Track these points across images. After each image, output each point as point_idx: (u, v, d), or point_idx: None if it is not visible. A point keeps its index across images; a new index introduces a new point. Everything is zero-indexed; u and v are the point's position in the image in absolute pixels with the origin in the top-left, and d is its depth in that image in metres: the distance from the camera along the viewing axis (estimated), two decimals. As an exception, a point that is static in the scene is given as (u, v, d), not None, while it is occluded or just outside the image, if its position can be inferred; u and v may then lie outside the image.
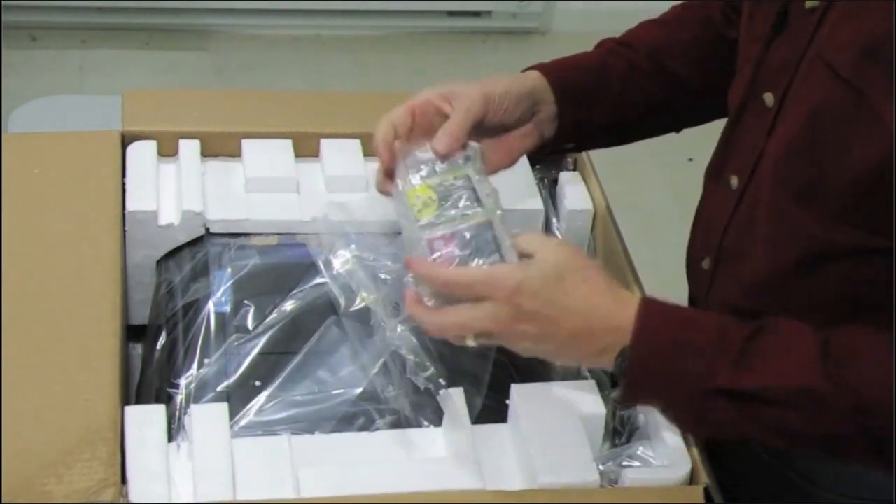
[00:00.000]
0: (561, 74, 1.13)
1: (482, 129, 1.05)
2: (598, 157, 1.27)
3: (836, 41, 0.92)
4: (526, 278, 0.90)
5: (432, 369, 0.98)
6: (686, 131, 1.24)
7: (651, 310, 0.91)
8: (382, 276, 1.06)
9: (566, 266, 0.91)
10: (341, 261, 1.06)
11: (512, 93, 1.08)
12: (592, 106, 1.15)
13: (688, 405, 0.91)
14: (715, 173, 1.09)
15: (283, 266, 1.10)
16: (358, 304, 1.04)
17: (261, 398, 0.99)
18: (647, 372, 0.90)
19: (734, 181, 1.04)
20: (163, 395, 1.01)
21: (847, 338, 0.89)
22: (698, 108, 1.18)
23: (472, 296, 0.92)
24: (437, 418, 0.99)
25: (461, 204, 0.97)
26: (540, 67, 1.14)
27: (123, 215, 1.12)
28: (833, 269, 0.96)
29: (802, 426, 0.89)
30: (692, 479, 0.95)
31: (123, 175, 1.16)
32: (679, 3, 1.23)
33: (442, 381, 0.98)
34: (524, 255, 0.93)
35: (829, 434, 0.89)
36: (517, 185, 1.21)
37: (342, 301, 1.05)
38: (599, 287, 0.92)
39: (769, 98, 1.00)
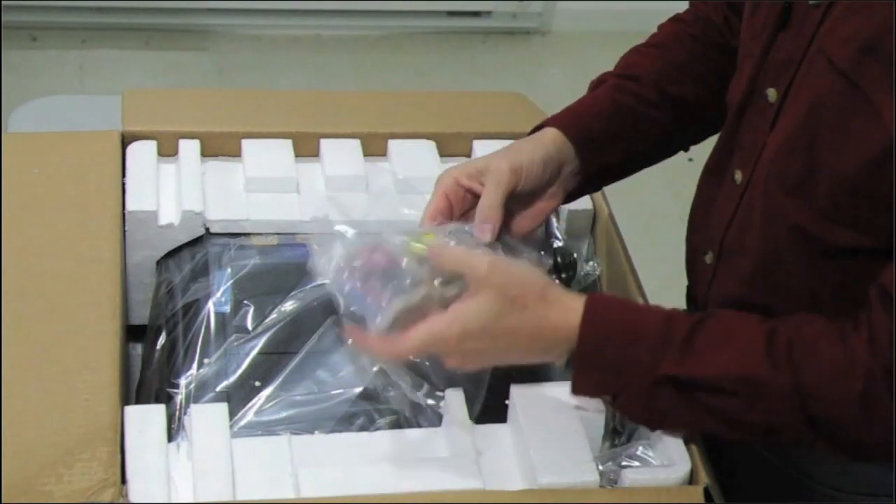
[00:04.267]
0: (578, 126, 1.12)
1: (511, 198, 1.05)
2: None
3: (838, 36, 0.92)
4: (465, 328, 0.91)
5: (427, 386, 0.98)
6: (685, 131, 1.24)
7: (597, 303, 0.93)
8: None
9: (502, 298, 0.92)
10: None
11: (537, 160, 1.07)
12: (611, 149, 1.14)
13: (635, 394, 0.92)
14: (717, 169, 1.09)
15: (283, 266, 1.10)
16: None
17: (261, 398, 0.99)
18: (595, 361, 0.92)
19: (738, 176, 1.04)
20: (163, 395, 1.01)
21: (795, 327, 0.91)
22: (705, 122, 1.17)
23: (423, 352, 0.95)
24: (437, 418, 0.99)
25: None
26: (556, 123, 1.12)
27: (123, 215, 1.12)
28: (828, 265, 0.97)
29: (745, 413, 0.90)
30: (692, 479, 0.95)
31: (123, 175, 1.16)
32: (669, 19, 1.23)
33: (439, 393, 0.98)
34: (453, 278, 0.94)
35: (771, 421, 0.91)
36: (517, 185, 1.20)
37: (342, 301, 1.05)
38: (539, 306, 0.93)
39: (772, 93, 1.00)
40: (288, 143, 1.22)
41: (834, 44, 0.92)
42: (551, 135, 1.10)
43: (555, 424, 0.96)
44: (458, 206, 1.04)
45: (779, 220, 0.98)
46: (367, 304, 0.93)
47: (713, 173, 1.11)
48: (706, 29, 1.17)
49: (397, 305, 0.92)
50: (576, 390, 0.95)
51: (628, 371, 0.92)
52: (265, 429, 0.97)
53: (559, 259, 1.18)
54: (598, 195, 1.22)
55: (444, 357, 0.93)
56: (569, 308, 0.93)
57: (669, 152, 1.20)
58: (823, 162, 0.93)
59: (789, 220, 0.97)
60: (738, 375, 0.90)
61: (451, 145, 1.26)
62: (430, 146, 1.24)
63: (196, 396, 0.99)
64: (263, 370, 1.01)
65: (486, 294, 0.92)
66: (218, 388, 1.00)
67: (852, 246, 0.94)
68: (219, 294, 1.07)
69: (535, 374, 1.05)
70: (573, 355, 0.93)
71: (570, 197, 1.14)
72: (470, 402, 0.99)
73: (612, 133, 1.14)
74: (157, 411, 0.95)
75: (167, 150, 1.20)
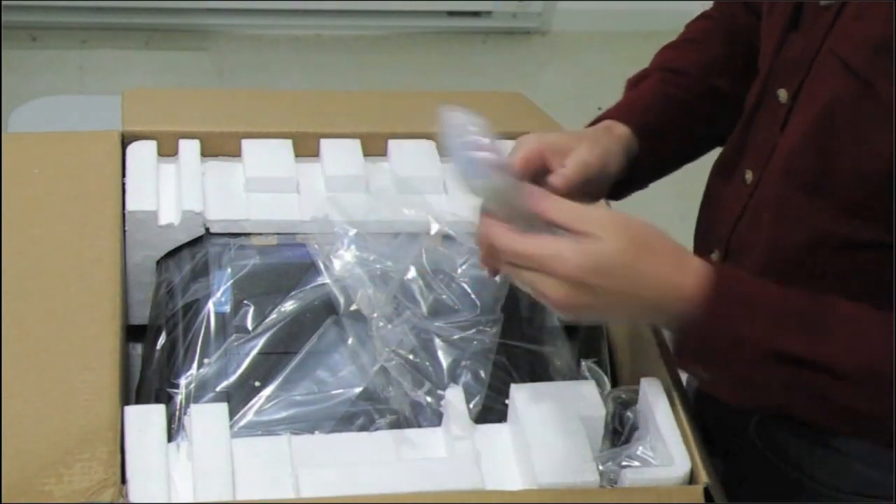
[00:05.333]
0: (641, 121, 1.11)
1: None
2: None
3: (850, 37, 0.92)
4: (598, 262, 0.86)
5: (428, 384, 0.98)
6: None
7: (727, 277, 0.90)
8: (382, 276, 1.06)
9: (636, 243, 0.88)
10: (341, 261, 1.06)
11: (618, 155, 1.07)
12: (667, 142, 1.14)
13: (743, 368, 0.89)
14: (727, 168, 1.09)
15: (283, 266, 1.10)
16: (357, 305, 1.04)
17: (261, 398, 0.99)
18: (711, 334, 0.88)
19: (749, 176, 1.04)
20: (163, 395, 1.01)
21: None
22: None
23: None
24: (437, 418, 0.99)
25: None
26: (620, 118, 1.10)
27: (123, 215, 1.12)
28: (836, 261, 0.97)
29: (856, 401, 0.88)
30: (692, 479, 0.95)
31: (123, 175, 1.16)
32: (698, 16, 1.22)
33: (440, 392, 0.98)
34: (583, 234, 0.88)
35: (877, 413, 0.88)
36: (517, 185, 1.21)
37: (342, 301, 1.05)
38: (667, 259, 0.89)
39: (783, 94, 1.00)
40: (288, 143, 1.22)
41: (846, 44, 0.92)
42: (622, 129, 1.09)
43: (555, 424, 0.96)
44: (529, 174, 0.99)
45: (793, 219, 0.98)
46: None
47: (722, 172, 1.11)
48: (733, 27, 1.17)
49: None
50: (682, 363, 0.92)
51: (744, 346, 0.88)
52: (265, 429, 0.97)
53: (559, 259, 1.18)
54: (598, 195, 1.22)
55: (553, 290, 0.86)
56: (698, 272, 0.88)
57: (709, 147, 1.20)
58: (842, 162, 0.93)
59: (801, 216, 0.97)
60: (867, 365, 0.87)
61: (451, 145, 1.25)
62: (430, 146, 1.24)
63: (196, 396, 0.99)
64: (263, 370, 1.02)
65: (621, 236, 0.87)
66: (218, 388, 1.00)
67: (878, 241, 0.94)
68: (219, 294, 1.07)
69: (535, 374, 1.05)
70: (690, 322, 0.88)
71: (616, 196, 1.13)
72: (470, 401, 1.00)
73: (667, 125, 1.13)
74: (157, 411, 0.95)
75: (167, 150, 1.20)
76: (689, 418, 0.98)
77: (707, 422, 1.16)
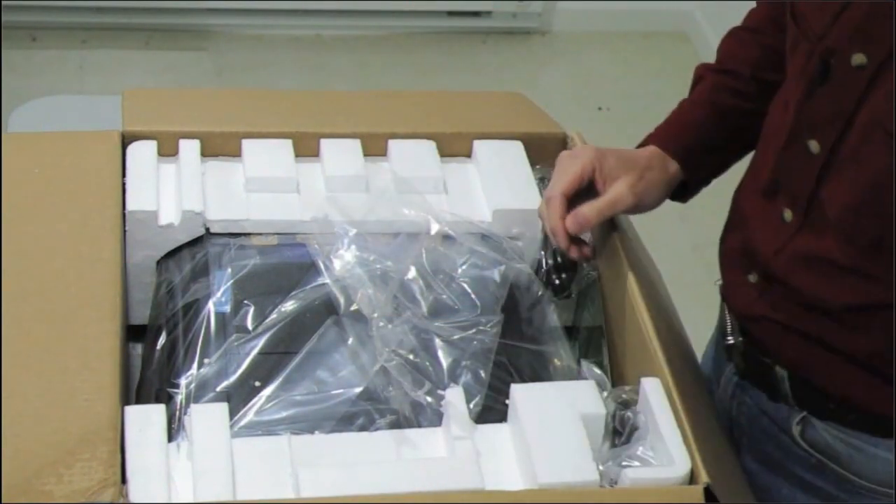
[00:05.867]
0: (688, 147, 1.15)
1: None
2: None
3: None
4: None
5: (428, 384, 0.98)
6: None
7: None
8: (382, 276, 1.06)
9: None
10: (341, 261, 1.06)
11: (655, 194, 1.13)
12: (713, 159, 1.18)
13: None
14: (761, 193, 1.10)
15: (283, 266, 1.10)
16: (357, 305, 1.04)
17: (261, 398, 0.99)
18: None
19: (788, 215, 1.05)
20: (163, 395, 1.01)
21: None
22: None
23: None
24: (437, 418, 0.99)
25: None
26: (669, 147, 1.15)
27: (123, 215, 1.12)
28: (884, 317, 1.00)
29: None
30: (692, 479, 0.95)
31: (123, 175, 1.16)
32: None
33: (441, 392, 0.98)
34: None
35: None
36: (517, 185, 1.21)
37: (342, 301, 1.05)
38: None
39: (814, 146, 1.01)
40: (288, 143, 1.22)
41: (891, 115, 0.93)
42: (674, 167, 1.14)
43: (555, 424, 0.96)
44: (575, 188, 1.11)
45: (835, 275, 1.02)
46: None
47: (756, 196, 1.12)
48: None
49: None
50: None
51: None
52: (265, 429, 0.97)
53: (559, 259, 1.18)
54: (598, 195, 1.22)
55: None
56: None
57: (755, 142, 1.21)
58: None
59: (861, 274, 1.01)
60: None
61: (451, 145, 1.26)
62: (430, 146, 1.24)
63: (196, 396, 0.99)
64: (264, 370, 1.01)
65: None
66: (218, 388, 1.00)
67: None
68: (219, 294, 1.07)
69: (535, 374, 1.05)
70: None
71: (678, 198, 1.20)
72: (470, 401, 1.00)
73: (714, 143, 1.17)
74: (157, 411, 0.95)
75: (167, 150, 1.20)
76: (689, 418, 0.98)
77: (741, 421, 1.17)
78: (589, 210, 1.09)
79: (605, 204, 1.09)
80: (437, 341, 1.04)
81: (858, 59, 0.96)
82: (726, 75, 1.17)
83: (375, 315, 1.03)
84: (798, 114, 1.03)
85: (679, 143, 1.15)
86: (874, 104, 0.94)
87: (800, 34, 1.02)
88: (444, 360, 1.03)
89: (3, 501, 0.85)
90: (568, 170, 1.11)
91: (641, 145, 1.17)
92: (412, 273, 1.08)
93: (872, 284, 1.00)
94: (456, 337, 1.05)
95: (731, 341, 1.17)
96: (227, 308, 1.06)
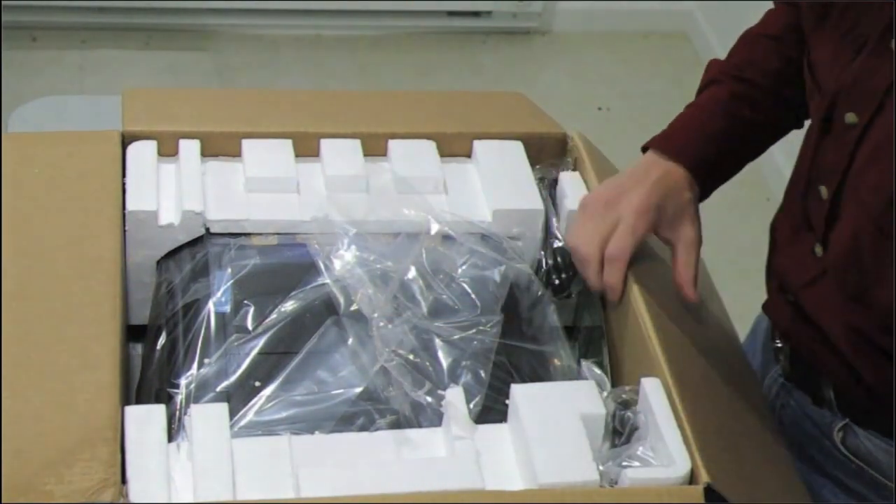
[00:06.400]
0: (703, 160, 1.14)
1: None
2: (598, 157, 1.26)
3: (869, 181, 0.96)
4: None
5: (429, 384, 0.98)
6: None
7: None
8: (382, 276, 1.06)
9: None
10: (341, 261, 1.06)
11: (671, 216, 1.12)
12: (727, 169, 1.17)
13: None
14: (790, 229, 1.12)
15: (284, 266, 1.10)
16: (357, 305, 1.04)
17: (261, 398, 0.99)
18: None
19: (818, 250, 1.06)
20: (163, 395, 1.01)
21: None
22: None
23: None
24: (437, 418, 0.99)
25: None
26: (683, 160, 1.13)
27: (123, 215, 1.12)
28: None
29: None
30: (692, 479, 0.95)
31: (123, 175, 1.16)
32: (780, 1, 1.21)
33: (441, 392, 0.98)
34: None
35: None
36: (517, 185, 1.21)
37: (342, 301, 1.05)
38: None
39: (824, 191, 1.03)
40: (288, 143, 1.22)
41: (868, 189, 0.96)
42: (688, 196, 1.12)
43: (555, 424, 0.96)
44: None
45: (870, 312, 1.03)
46: None
47: (787, 232, 1.13)
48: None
49: None
50: None
51: None
52: (265, 429, 0.97)
53: (559, 259, 1.18)
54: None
55: None
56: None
57: (766, 148, 1.21)
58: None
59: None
60: None
61: (451, 145, 1.26)
62: (430, 146, 1.24)
63: (196, 396, 0.99)
64: (264, 370, 1.01)
65: None
66: (218, 388, 1.00)
67: None
68: (219, 294, 1.07)
69: (535, 374, 1.05)
70: None
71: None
72: (470, 401, 1.00)
73: (729, 154, 1.16)
74: (157, 411, 0.95)
75: (167, 150, 1.20)
76: (689, 418, 0.98)
77: (784, 422, 1.18)
78: (685, 271, 1.09)
79: (691, 260, 1.10)
80: (437, 341, 1.04)
81: (850, 117, 0.99)
82: (745, 84, 1.16)
83: (375, 315, 1.03)
84: (810, 164, 1.05)
85: (703, 161, 1.14)
86: (855, 171, 0.98)
87: (814, 86, 1.04)
88: (444, 360, 1.03)
89: (3, 501, 0.85)
90: (632, 231, 1.08)
91: (651, 147, 1.15)
92: (412, 273, 1.08)
93: None
94: (456, 337, 1.05)
95: (780, 344, 1.18)
96: (227, 308, 1.06)
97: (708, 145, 1.14)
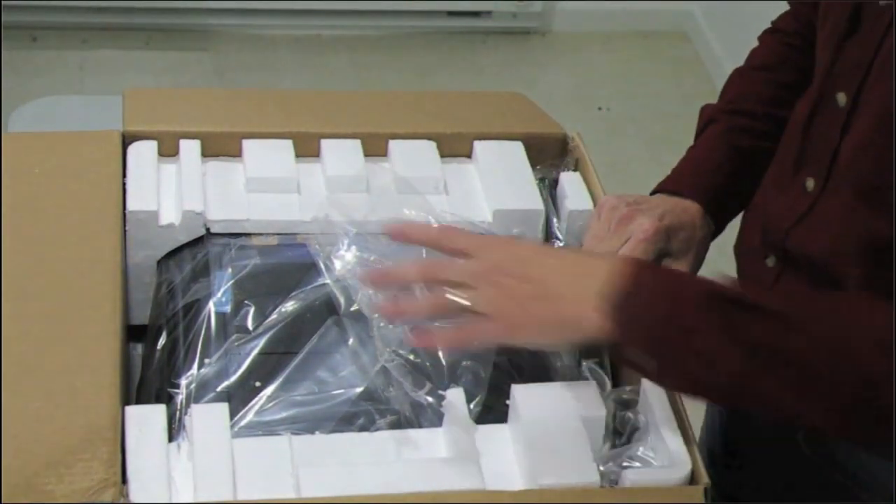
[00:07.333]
0: (714, 194, 1.14)
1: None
2: (598, 158, 1.27)
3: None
4: (516, 248, 0.93)
5: (429, 385, 0.98)
6: (683, 132, 1.24)
7: (633, 260, 0.94)
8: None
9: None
10: (342, 261, 1.06)
11: (684, 246, 1.12)
12: (736, 198, 1.17)
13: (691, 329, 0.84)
14: (782, 178, 1.09)
15: (284, 266, 1.10)
16: (358, 305, 1.04)
17: (261, 398, 0.99)
18: (642, 302, 0.85)
19: (810, 184, 1.04)
20: (163, 395, 1.01)
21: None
22: None
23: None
24: (437, 418, 0.99)
25: None
26: (695, 195, 1.13)
27: (124, 215, 1.12)
28: (888, 264, 0.97)
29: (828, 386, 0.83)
30: (692, 480, 0.95)
31: (124, 175, 1.16)
32: (766, 31, 1.21)
33: (441, 393, 0.98)
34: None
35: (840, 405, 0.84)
36: (517, 186, 1.21)
37: (342, 301, 1.05)
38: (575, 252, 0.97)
39: (842, 98, 1.00)
40: (288, 143, 1.22)
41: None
42: (700, 234, 1.12)
43: (555, 424, 0.96)
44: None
45: (856, 225, 0.99)
46: None
47: (775, 183, 1.11)
48: (807, 35, 1.15)
49: None
50: (623, 343, 0.86)
51: (687, 300, 0.85)
52: (266, 429, 0.97)
53: (559, 259, 1.18)
54: (599, 195, 1.22)
55: (477, 276, 0.89)
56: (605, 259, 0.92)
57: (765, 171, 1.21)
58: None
59: (866, 224, 0.98)
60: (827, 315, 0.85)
61: (452, 145, 1.26)
62: (430, 146, 1.24)
63: (197, 396, 0.99)
64: (264, 370, 1.01)
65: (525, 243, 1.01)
66: (218, 388, 1.00)
67: None
68: (219, 294, 1.07)
69: (535, 373, 1.05)
70: (618, 304, 0.85)
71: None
72: (470, 401, 1.00)
73: (736, 184, 1.16)
74: (157, 411, 0.95)
75: (168, 150, 1.20)
76: (690, 418, 0.98)
77: (738, 434, 1.16)
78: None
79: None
80: (438, 341, 1.04)
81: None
82: (741, 116, 1.16)
83: (376, 315, 1.03)
84: (827, 73, 1.02)
85: (714, 192, 1.14)
86: (889, 39, 0.94)
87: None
88: (445, 361, 1.03)
89: (3, 501, 0.85)
90: (643, 253, 1.08)
91: (661, 191, 1.15)
92: (412, 273, 1.08)
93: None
94: (456, 337, 1.04)
95: None
96: (228, 308, 1.06)
97: (715, 176, 1.15)
